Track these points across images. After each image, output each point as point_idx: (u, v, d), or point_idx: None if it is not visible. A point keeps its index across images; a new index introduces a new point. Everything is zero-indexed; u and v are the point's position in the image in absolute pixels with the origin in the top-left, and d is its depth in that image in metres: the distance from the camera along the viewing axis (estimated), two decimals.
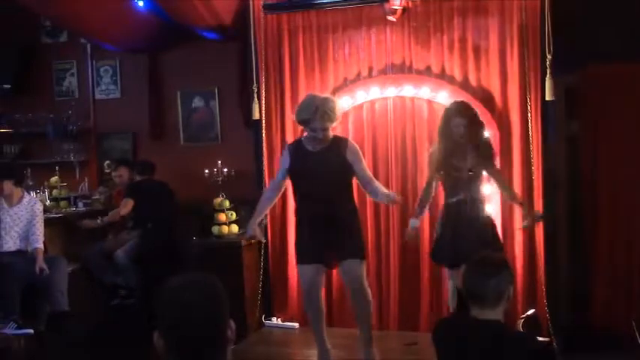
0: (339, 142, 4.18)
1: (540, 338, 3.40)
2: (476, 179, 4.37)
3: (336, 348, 4.44)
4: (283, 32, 5.42)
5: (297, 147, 4.26)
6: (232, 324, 1.77)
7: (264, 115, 5.41)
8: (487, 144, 4.48)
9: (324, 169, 4.09)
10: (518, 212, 4.89)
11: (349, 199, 4.22)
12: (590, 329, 5.10)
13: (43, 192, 6.44)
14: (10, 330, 4.59)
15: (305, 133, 4.24)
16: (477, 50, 5.01)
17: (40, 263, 5.10)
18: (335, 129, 4.31)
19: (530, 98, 4.87)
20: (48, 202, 6.36)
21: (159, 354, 1.75)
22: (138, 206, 5.76)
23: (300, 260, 4.24)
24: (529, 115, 4.87)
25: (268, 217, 5.39)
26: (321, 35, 5.34)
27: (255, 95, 5.39)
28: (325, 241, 4.10)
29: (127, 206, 5.74)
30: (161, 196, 5.83)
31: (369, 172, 4.27)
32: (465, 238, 4.22)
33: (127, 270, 5.78)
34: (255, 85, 5.41)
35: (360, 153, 4.24)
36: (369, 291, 4.24)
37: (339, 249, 4.11)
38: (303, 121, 4.11)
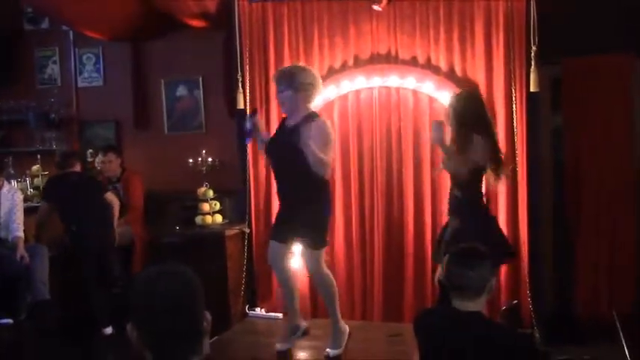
0: (307, 119, 3.99)
1: (522, 330, 3.40)
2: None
3: (317, 339, 4.43)
4: (268, 21, 5.37)
5: (280, 123, 4.25)
6: (208, 315, 1.75)
7: (248, 105, 5.37)
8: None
9: (286, 148, 3.98)
10: (503, 203, 4.90)
11: (310, 183, 3.97)
12: (573, 320, 5.12)
13: (25, 181, 6.37)
14: None
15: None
16: (462, 41, 4.99)
17: (21, 251, 5.07)
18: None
19: (515, 89, 4.86)
20: (30, 191, 6.29)
21: (133, 345, 1.73)
22: (59, 208, 5.39)
23: (270, 235, 4.34)
24: (514, 106, 4.87)
25: (252, 201, 5.38)
26: (306, 24, 5.30)
27: (240, 84, 5.34)
28: (285, 224, 4.13)
29: (39, 212, 5.46)
30: (86, 190, 5.41)
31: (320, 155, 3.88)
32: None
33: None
34: (239, 74, 5.37)
35: (322, 133, 3.94)
36: (326, 277, 4.22)
37: (296, 235, 4.13)
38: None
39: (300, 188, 4.00)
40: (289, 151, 3.93)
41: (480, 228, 4.08)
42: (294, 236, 4.15)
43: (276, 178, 4.31)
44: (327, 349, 4.20)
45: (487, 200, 4.57)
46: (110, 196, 5.49)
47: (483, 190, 4.32)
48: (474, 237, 3.68)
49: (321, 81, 4.18)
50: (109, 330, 5.21)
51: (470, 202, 4.21)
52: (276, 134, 4.25)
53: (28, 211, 5.57)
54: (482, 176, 4.21)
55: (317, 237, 4.09)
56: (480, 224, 4.15)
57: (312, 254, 4.13)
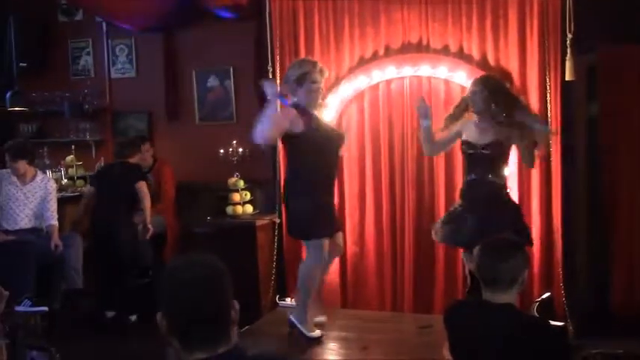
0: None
1: (554, 322, 3.34)
2: (492, 158, 4.25)
3: (347, 329, 4.43)
4: (299, 10, 5.35)
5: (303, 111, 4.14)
6: (236, 304, 1.75)
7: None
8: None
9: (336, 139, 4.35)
10: (536, 193, 4.83)
11: (294, 176, 4.20)
12: (608, 313, 5.02)
13: (59, 171, 6.46)
14: (24, 307, 4.62)
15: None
16: (495, 29, 4.92)
17: (55, 240, 5.17)
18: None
19: (549, 78, 4.78)
20: (64, 181, 6.38)
21: (162, 335, 1.73)
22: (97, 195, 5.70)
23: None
24: (548, 95, 4.78)
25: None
26: (337, 14, 5.27)
27: (270, 74, 5.33)
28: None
29: (84, 194, 5.88)
30: (124, 181, 5.58)
31: None
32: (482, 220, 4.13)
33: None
34: (270, 64, 5.36)
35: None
36: (302, 267, 4.31)
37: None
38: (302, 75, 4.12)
39: (289, 178, 4.25)
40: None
41: (512, 214, 4.07)
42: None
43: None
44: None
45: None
46: (142, 186, 5.52)
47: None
48: (507, 225, 3.65)
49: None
50: (133, 318, 5.28)
51: (504, 187, 4.21)
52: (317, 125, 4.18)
53: (62, 201, 5.66)
54: None
55: (299, 228, 4.28)
56: (512, 210, 4.14)
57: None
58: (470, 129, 4.33)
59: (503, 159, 4.30)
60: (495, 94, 4.24)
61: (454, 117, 4.44)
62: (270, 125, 4.01)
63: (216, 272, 1.71)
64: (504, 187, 4.31)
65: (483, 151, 4.20)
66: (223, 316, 1.71)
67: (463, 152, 4.38)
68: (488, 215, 4.09)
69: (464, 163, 4.51)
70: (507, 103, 4.25)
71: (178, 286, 1.68)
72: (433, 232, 4.52)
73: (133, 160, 5.70)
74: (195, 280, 1.67)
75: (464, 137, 4.33)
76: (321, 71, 4.15)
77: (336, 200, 4.67)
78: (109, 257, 5.41)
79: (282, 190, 4.42)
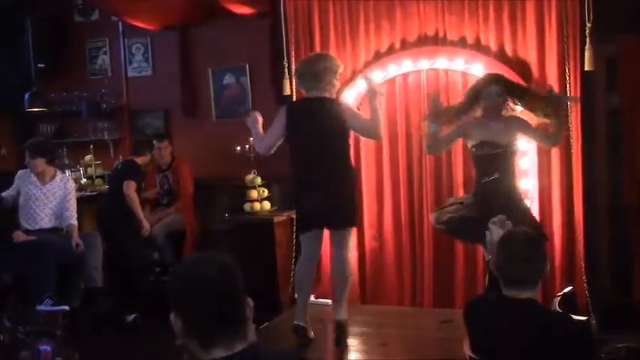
0: None
1: (577, 317, 3.29)
2: (509, 157, 4.21)
3: (366, 325, 4.41)
4: (314, 6, 5.34)
5: None
6: (250, 301, 1.74)
7: (294, 91, 5.34)
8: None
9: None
10: (557, 185, 4.77)
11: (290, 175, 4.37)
12: (631, 307, 4.95)
13: (79, 170, 6.51)
14: (45, 306, 4.65)
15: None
16: (513, 20, 4.85)
17: (76, 238, 5.20)
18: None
19: (568, 69, 4.70)
20: (83, 181, 6.43)
21: (177, 335, 1.72)
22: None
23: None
24: (568, 86, 4.70)
25: None
26: (352, 8, 5.25)
27: (286, 71, 5.32)
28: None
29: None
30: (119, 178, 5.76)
31: None
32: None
33: (164, 247, 5.83)
34: (285, 60, 5.34)
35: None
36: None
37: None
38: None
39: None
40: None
41: (526, 211, 4.03)
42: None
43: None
44: None
45: None
46: (126, 186, 5.55)
47: None
48: (522, 222, 3.56)
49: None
50: (130, 318, 5.29)
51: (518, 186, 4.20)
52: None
53: (81, 201, 5.70)
54: None
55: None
56: (525, 209, 4.15)
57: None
58: (478, 129, 4.23)
59: (516, 156, 4.30)
60: (512, 91, 4.22)
61: (461, 112, 4.33)
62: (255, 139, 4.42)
63: (225, 269, 1.70)
64: (518, 186, 4.31)
65: (499, 151, 4.14)
66: (238, 313, 1.70)
67: (478, 153, 4.24)
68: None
69: (478, 164, 4.31)
70: (523, 94, 4.24)
71: (188, 284, 1.68)
72: (434, 218, 4.45)
73: (143, 158, 5.75)
74: (205, 278, 1.67)
75: (478, 138, 4.21)
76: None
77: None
78: (114, 258, 5.50)
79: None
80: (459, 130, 4.34)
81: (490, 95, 4.16)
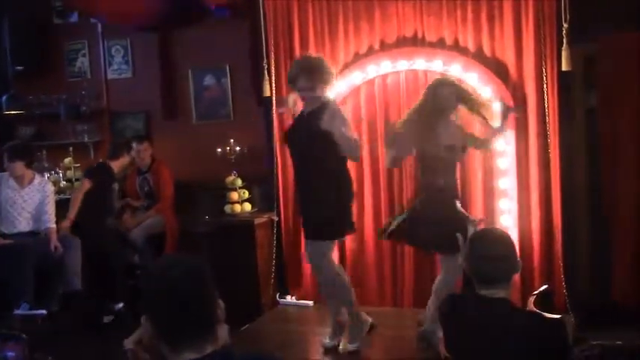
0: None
1: (552, 315, 3.31)
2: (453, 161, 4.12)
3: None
4: (293, 7, 5.34)
5: None
6: (221, 303, 1.73)
7: (274, 92, 5.34)
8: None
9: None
10: (535, 185, 4.80)
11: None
12: (610, 305, 4.98)
13: (58, 173, 6.45)
14: (23, 311, 4.62)
15: None
16: (490, 20, 4.88)
17: (55, 242, 5.17)
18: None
19: (546, 69, 4.73)
20: (62, 184, 6.37)
21: (149, 338, 1.72)
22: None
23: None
24: (545, 86, 4.74)
25: (281, 189, 5.36)
26: (331, 9, 5.26)
27: (266, 72, 5.31)
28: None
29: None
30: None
31: None
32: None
33: (144, 249, 5.80)
34: (265, 61, 5.34)
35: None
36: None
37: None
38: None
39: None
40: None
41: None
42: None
43: None
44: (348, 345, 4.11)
45: None
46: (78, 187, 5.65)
47: None
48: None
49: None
50: (107, 319, 5.26)
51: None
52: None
53: (60, 203, 5.65)
54: None
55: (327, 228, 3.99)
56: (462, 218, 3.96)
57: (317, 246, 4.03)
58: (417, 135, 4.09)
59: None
60: (463, 92, 4.13)
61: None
62: None
63: (195, 271, 1.70)
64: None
65: (448, 154, 4.01)
66: (207, 316, 1.70)
67: (434, 156, 4.04)
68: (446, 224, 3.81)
69: (426, 167, 4.12)
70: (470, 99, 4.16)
71: (158, 287, 1.67)
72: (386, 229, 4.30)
73: (121, 161, 5.79)
74: (175, 280, 1.66)
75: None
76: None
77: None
78: (93, 261, 5.48)
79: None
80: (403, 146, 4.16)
81: (446, 97, 4.08)
